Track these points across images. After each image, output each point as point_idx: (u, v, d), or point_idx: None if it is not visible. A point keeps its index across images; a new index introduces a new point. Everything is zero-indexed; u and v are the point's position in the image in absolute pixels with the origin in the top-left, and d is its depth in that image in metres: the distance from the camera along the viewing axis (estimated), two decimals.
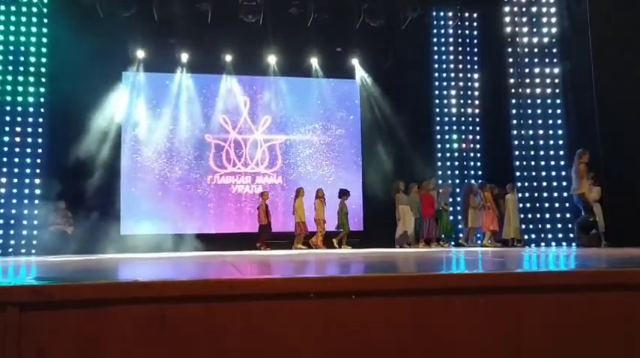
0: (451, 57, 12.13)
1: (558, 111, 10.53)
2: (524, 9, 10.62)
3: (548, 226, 10.40)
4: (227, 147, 12.39)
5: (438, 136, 12.02)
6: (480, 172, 11.92)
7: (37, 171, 10.27)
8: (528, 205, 10.46)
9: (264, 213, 11.37)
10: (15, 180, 10.12)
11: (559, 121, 10.51)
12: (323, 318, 2.14)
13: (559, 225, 10.43)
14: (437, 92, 12.08)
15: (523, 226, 10.42)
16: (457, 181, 11.89)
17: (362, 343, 2.14)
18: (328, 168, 12.82)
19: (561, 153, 10.49)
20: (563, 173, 10.46)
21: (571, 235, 10.33)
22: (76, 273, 3.35)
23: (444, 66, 12.12)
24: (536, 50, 10.57)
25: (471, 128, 12.10)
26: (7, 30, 10.30)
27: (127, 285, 2.17)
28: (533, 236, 10.40)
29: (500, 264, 4.01)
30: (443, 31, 12.16)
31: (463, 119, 12.09)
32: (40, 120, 10.35)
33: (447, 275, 2.50)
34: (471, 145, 12.05)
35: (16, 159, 10.16)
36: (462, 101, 12.11)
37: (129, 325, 2.06)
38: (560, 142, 10.48)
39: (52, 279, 2.70)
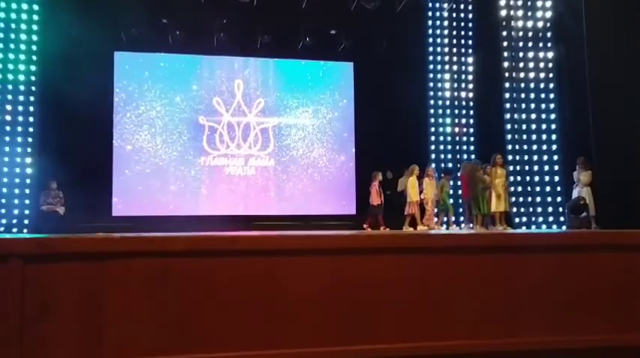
0: (445, 40, 12.11)
1: (551, 95, 10.59)
2: None
3: (539, 209, 10.50)
4: (220, 129, 12.35)
5: (432, 120, 12.04)
6: (472, 156, 11.95)
7: (29, 150, 10.19)
8: (520, 189, 10.53)
9: (376, 194, 11.17)
10: (6, 159, 10.03)
11: (552, 106, 10.58)
12: (325, 273, 2.16)
13: (550, 208, 10.53)
14: (431, 75, 12.08)
15: (514, 209, 10.48)
16: (450, 165, 11.92)
17: (363, 296, 2.16)
18: (321, 150, 12.81)
19: (553, 137, 10.57)
20: (555, 157, 10.55)
21: (562, 218, 10.44)
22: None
23: (439, 49, 12.11)
24: (530, 34, 10.59)
25: (464, 112, 12.13)
26: None
27: (129, 240, 2.18)
28: (524, 219, 10.48)
29: None
30: (438, 14, 12.12)
31: (457, 103, 12.11)
32: (32, 98, 10.25)
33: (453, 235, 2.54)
34: (465, 129, 12.08)
35: (7, 138, 10.06)
36: (455, 85, 12.12)
37: (131, 279, 2.07)
38: (553, 127, 10.55)
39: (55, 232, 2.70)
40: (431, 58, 12.07)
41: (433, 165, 11.63)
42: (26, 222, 10.10)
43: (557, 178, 10.52)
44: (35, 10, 10.35)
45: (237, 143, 12.42)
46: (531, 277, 2.31)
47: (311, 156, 12.75)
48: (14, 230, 9.96)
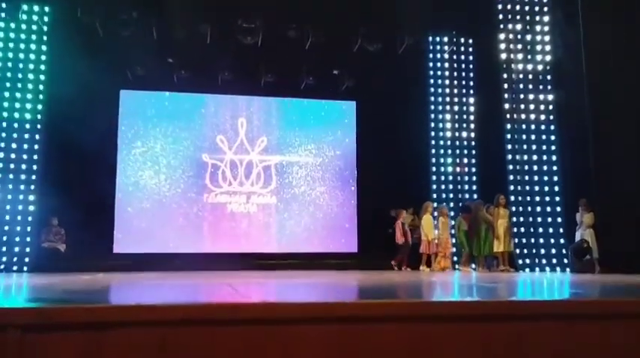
0: (447, 81, 12.27)
1: (552, 137, 10.65)
2: (519, 36, 10.80)
3: (543, 251, 10.43)
4: (223, 166, 12.41)
5: (433, 159, 12.09)
6: (475, 196, 11.96)
7: (32, 187, 10.22)
8: (523, 230, 10.49)
9: (400, 232, 11.13)
10: (9, 197, 10.07)
11: (553, 147, 10.63)
12: (334, 343, 2.13)
13: (553, 250, 10.46)
14: (432, 115, 12.19)
15: (517, 251, 10.42)
16: (452, 205, 11.91)
17: None
18: (323, 188, 12.84)
19: (555, 178, 10.58)
20: (557, 198, 10.54)
21: (565, 261, 10.36)
22: (76, 294, 3.33)
23: (440, 90, 12.26)
24: (530, 77, 10.73)
25: (466, 151, 12.18)
26: (7, 47, 10.35)
27: (127, 309, 2.17)
28: (527, 261, 10.41)
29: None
30: (439, 55, 12.32)
31: (458, 143, 12.18)
32: (37, 137, 10.34)
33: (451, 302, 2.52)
34: (466, 169, 12.12)
35: (11, 176, 10.11)
36: (457, 125, 12.22)
37: (129, 349, 2.06)
38: (554, 168, 10.57)
39: (54, 301, 2.69)
40: (432, 98, 12.21)
41: (443, 203, 11.65)
42: (27, 259, 10.05)
43: (559, 219, 10.49)
44: (43, 51, 10.53)
45: (240, 180, 12.46)
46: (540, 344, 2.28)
47: (313, 194, 12.77)
48: (14, 268, 9.92)
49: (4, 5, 10.41)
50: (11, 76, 10.33)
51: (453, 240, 11.40)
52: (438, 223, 11.22)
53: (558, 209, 10.51)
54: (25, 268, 9.99)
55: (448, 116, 12.21)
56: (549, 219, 10.51)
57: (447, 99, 12.25)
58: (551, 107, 10.71)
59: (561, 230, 10.49)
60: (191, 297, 3.27)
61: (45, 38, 10.58)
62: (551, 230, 10.50)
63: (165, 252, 11.65)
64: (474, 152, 12.17)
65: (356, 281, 6.06)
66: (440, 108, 12.22)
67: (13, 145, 10.19)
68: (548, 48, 10.79)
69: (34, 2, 10.51)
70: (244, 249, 12.15)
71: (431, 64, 12.28)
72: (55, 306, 2.17)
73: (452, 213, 11.77)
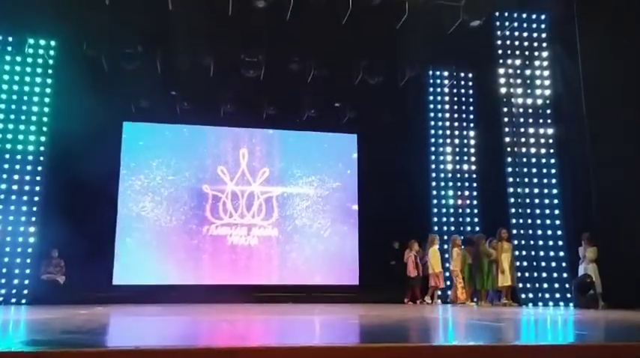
0: (447, 114, 12.37)
1: (553, 170, 10.65)
2: (518, 71, 10.90)
3: (545, 285, 10.32)
4: (224, 198, 12.41)
5: (434, 192, 12.09)
6: (476, 228, 11.92)
7: (33, 219, 10.19)
8: (525, 264, 10.40)
9: (412, 265, 11.03)
10: (9, 228, 10.04)
11: (554, 181, 10.61)
12: None
13: (556, 285, 10.35)
14: (433, 148, 12.24)
15: (520, 285, 10.32)
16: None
17: None
18: (324, 220, 12.82)
19: (557, 212, 10.53)
20: (559, 232, 10.48)
21: (568, 295, 10.25)
22: (74, 335, 3.29)
23: (440, 123, 12.34)
24: (530, 111, 10.78)
25: (467, 184, 12.20)
26: (12, 80, 10.47)
27: (126, 354, 2.14)
28: (530, 295, 10.29)
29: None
30: (439, 89, 12.44)
31: (459, 176, 12.21)
32: (39, 168, 10.36)
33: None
34: (467, 202, 12.11)
35: (12, 207, 10.10)
36: (457, 158, 12.26)
37: None
38: (556, 201, 10.54)
39: (51, 343, 2.65)
40: (433, 131, 12.28)
41: (457, 235, 11.50)
42: (25, 292, 9.96)
43: (562, 253, 10.40)
44: (48, 84, 10.64)
45: (241, 212, 12.45)
46: None
47: (314, 226, 12.74)
48: (13, 300, 9.83)
49: (10, 39, 10.57)
50: (16, 109, 10.41)
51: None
52: (451, 254, 11.10)
53: (560, 243, 10.43)
54: (23, 300, 9.89)
55: (449, 149, 12.26)
56: (552, 253, 10.42)
57: (448, 132, 12.32)
58: (551, 141, 10.73)
59: (564, 264, 10.39)
60: (190, 339, 3.23)
61: (50, 71, 10.70)
62: (553, 264, 10.40)
63: (165, 283, 11.57)
64: (474, 185, 12.19)
65: (359, 318, 5.99)
66: (440, 141, 12.28)
67: (16, 177, 10.19)
68: (547, 82, 10.88)
69: (40, 36, 10.67)
70: (245, 281, 12.08)
71: (431, 98, 12.40)
72: (53, 351, 2.14)
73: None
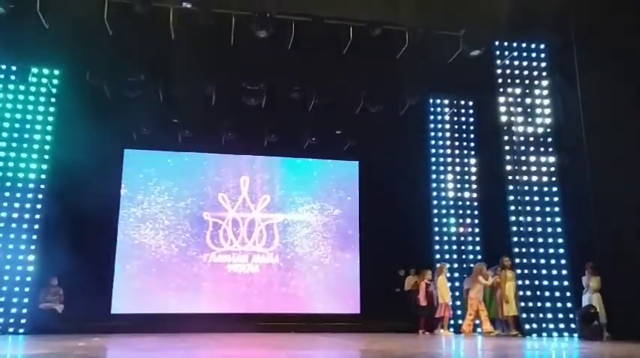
0: (448, 142, 12.37)
1: (555, 198, 10.61)
2: (518, 99, 10.94)
3: (549, 315, 10.19)
4: (225, 225, 12.37)
5: (436, 219, 12.02)
6: (479, 256, 11.82)
7: (32, 247, 10.14)
8: (529, 293, 10.28)
9: (424, 294, 10.88)
10: (8, 257, 9.98)
11: (556, 209, 10.56)
12: None
13: (560, 315, 10.22)
14: (434, 176, 12.20)
15: (524, 315, 10.19)
16: (455, 265, 11.76)
17: None
18: (325, 248, 12.75)
19: (560, 240, 10.46)
20: (563, 261, 10.39)
21: (572, 325, 10.11)
22: None
23: (441, 151, 12.33)
24: (531, 139, 10.79)
25: (468, 212, 12.13)
26: (15, 108, 10.54)
27: None
28: (534, 325, 10.15)
29: None
30: (440, 117, 12.47)
31: (460, 203, 12.15)
32: (40, 196, 10.36)
33: None
34: (469, 229, 12.03)
35: (12, 236, 10.06)
36: (459, 185, 12.22)
37: None
38: (559, 230, 10.47)
39: None
40: (434, 159, 12.27)
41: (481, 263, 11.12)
42: (23, 321, 9.86)
43: (565, 283, 10.29)
44: (51, 112, 10.70)
45: (242, 239, 12.39)
46: None
47: (315, 254, 12.67)
48: (10, 330, 9.72)
49: (14, 68, 10.67)
50: (18, 137, 10.46)
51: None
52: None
53: (564, 272, 10.33)
54: (21, 330, 9.78)
55: (450, 176, 12.23)
56: (555, 283, 10.31)
57: (449, 159, 12.30)
58: (553, 169, 10.72)
59: (568, 294, 10.27)
60: None
61: (53, 100, 10.77)
62: (557, 293, 10.28)
63: (164, 312, 11.46)
64: (476, 213, 12.12)
65: (366, 352, 5.89)
66: (441, 168, 12.26)
67: (16, 205, 10.19)
68: (548, 111, 10.92)
69: (44, 65, 10.77)
70: (245, 309, 11.97)
71: (432, 126, 12.41)
72: None
73: (456, 275, 11.62)
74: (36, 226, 10.26)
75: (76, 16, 9.13)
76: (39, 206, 10.32)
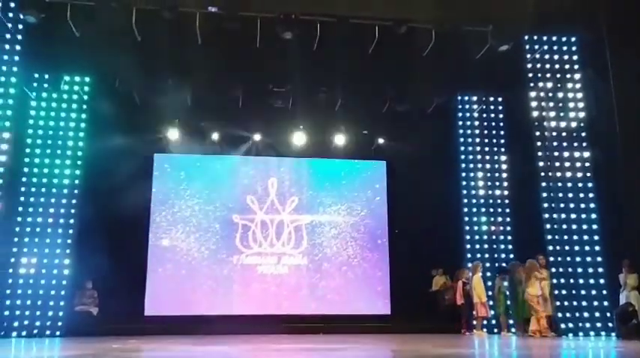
0: (477, 140, 12.18)
1: (590, 195, 10.37)
2: (550, 94, 10.72)
3: (586, 314, 9.95)
4: (254, 227, 12.42)
5: (466, 218, 11.85)
6: (511, 255, 11.61)
7: (67, 251, 10.37)
8: (564, 292, 10.06)
9: (460, 293, 10.72)
10: (45, 261, 10.23)
11: (592, 205, 10.31)
12: None
13: (597, 314, 9.97)
14: (464, 174, 12.04)
15: (560, 315, 9.96)
16: (487, 265, 11.55)
17: None
18: (354, 248, 12.68)
19: (596, 238, 10.21)
20: (599, 259, 10.14)
21: (610, 324, 9.85)
22: None
23: (470, 148, 12.15)
24: (564, 134, 10.57)
25: (500, 211, 11.91)
26: (49, 116, 10.81)
27: None
28: (570, 325, 9.93)
29: None
30: (468, 114, 12.29)
31: (492, 201, 11.94)
32: (73, 201, 10.59)
33: None
34: (501, 228, 11.81)
35: (48, 240, 10.31)
36: (489, 183, 12.01)
37: None
38: (595, 227, 10.22)
39: None
40: (463, 156, 12.11)
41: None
42: (60, 324, 10.08)
43: (602, 281, 10.05)
44: (83, 119, 10.94)
45: (270, 241, 12.42)
46: None
47: (344, 254, 12.61)
48: (47, 332, 9.95)
49: (47, 76, 10.93)
50: (52, 143, 10.72)
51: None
52: (526, 280, 10.04)
53: (600, 270, 10.09)
54: (57, 332, 10.00)
55: (480, 174, 12.03)
56: (591, 281, 10.08)
57: (479, 157, 12.11)
58: (587, 164, 10.47)
59: (604, 292, 10.03)
60: None
61: (84, 107, 11.01)
62: (593, 292, 10.05)
63: (196, 314, 11.55)
64: (507, 211, 11.90)
65: (399, 353, 5.83)
66: (471, 166, 12.08)
67: (51, 210, 10.44)
68: (581, 105, 10.67)
69: (75, 73, 11.01)
70: (275, 311, 11.97)
71: (460, 123, 12.25)
72: None
73: (488, 274, 11.42)
74: (70, 230, 10.49)
75: (105, 23, 9.32)
76: (73, 210, 10.56)
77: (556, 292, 10.07)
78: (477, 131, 12.19)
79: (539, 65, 10.82)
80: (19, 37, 9.80)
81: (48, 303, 10.11)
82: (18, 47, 9.72)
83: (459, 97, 12.32)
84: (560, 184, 10.46)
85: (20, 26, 9.83)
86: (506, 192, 11.97)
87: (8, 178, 9.48)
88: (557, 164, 10.52)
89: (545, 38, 10.87)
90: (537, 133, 10.72)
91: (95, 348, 6.70)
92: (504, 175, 12.05)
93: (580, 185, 10.44)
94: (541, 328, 9.62)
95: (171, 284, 11.80)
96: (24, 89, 10.32)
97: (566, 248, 10.23)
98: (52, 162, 10.60)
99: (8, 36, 9.70)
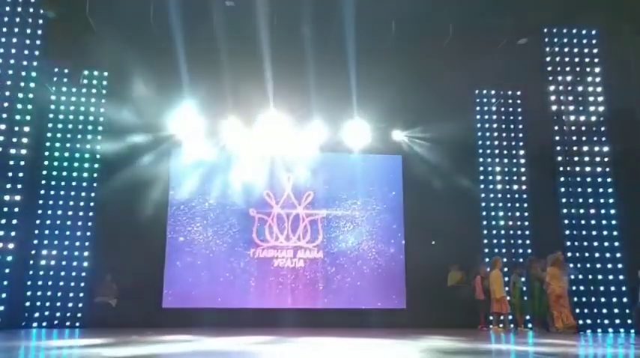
0: (495, 134, 12.08)
1: (610, 190, 10.24)
2: (569, 87, 10.59)
3: (605, 311, 9.85)
4: (270, 221, 12.47)
5: (484, 213, 11.77)
6: (528, 250, 11.51)
7: (87, 244, 10.52)
8: (582, 288, 9.97)
9: (480, 288, 10.62)
10: (65, 253, 10.39)
11: (611, 200, 10.19)
12: None
13: (615, 310, 9.87)
14: (481, 169, 11.94)
15: (577, 310, 9.87)
16: (505, 260, 11.46)
17: None
18: (370, 243, 12.68)
19: (615, 233, 10.09)
20: (618, 254, 10.02)
21: (629, 321, 9.75)
22: None
23: (488, 142, 12.05)
24: (583, 128, 10.44)
25: (517, 205, 11.81)
26: (68, 109, 10.94)
27: None
28: (588, 321, 9.84)
29: None
30: (486, 108, 12.18)
31: (509, 196, 11.85)
32: (92, 194, 10.72)
33: None
34: (518, 222, 11.70)
35: (68, 233, 10.46)
36: (507, 178, 11.91)
37: None
38: (614, 222, 10.10)
39: None
40: (481, 151, 12.00)
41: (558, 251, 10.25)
42: (79, 315, 10.25)
43: (621, 277, 9.94)
44: (101, 112, 11.06)
45: (287, 235, 12.47)
46: None
47: (360, 249, 12.61)
48: (67, 323, 10.12)
49: (66, 71, 11.06)
50: (71, 137, 10.86)
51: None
52: (548, 273, 9.93)
53: (620, 265, 9.97)
54: (77, 323, 10.17)
55: (498, 168, 11.93)
56: (610, 277, 9.97)
57: (497, 151, 12.00)
58: (606, 159, 10.33)
59: (623, 288, 9.92)
60: None
61: (103, 101, 11.12)
62: (612, 288, 9.95)
63: (213, 307, 11.64)
64: (525, 206, 11.79)
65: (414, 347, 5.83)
66: (489, 160, 11.97)
67: (71, 203, 10.58)
68: (600, 99, 10.52)
69: (94, 68, 11.12)
70: (291, 304, 12.04)
71: (478, 117, 12.14)
72: None
73: (505, 269, 11.34)
74: (90, 223, 10.63)
75: (123, 18, 9.39)
76: (92, 204, 10.69)
77: (574, 288, 9.97)
78: (495, 124, 12.09)
79: (558, 58, 10.68)
80: (39, 31, 9.91)
81: (68, 295, 10.29)
82: (38, 42, 9.82)
83: (477, 91, 12.21)
84: (578, 179, 10.35)
85: (40, 21, 9.94)
86: (524, 187, 11.86)
87: (29, 171, 9.62)
88: (576, 158, 10.40)
89: (564, 30, 10.72)
90: (556, 127, 10.59)
91: (114, 339, 6.80)
92: (522, 169, 11.94)
93: (599, 179, 10.32)
94: (570, 322, 9.41)
95: (188, 277, 11.90)
96: (44, 83, 10.44)
97: (585, 243, 10.13)
98: (72, 156, 10.75)
99: (29, 31, 9.80)
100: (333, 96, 11.68)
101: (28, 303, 10.09)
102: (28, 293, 10.14)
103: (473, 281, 10.99)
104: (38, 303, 10.14)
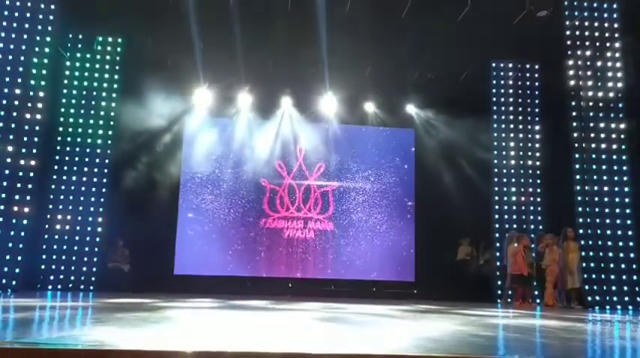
0: (510, 108, 11.90)
1: (624, 167, 10.12)
2: (588, 62, 10.39)
3: (614, 288, 9.85)
4: (281, 192, 12.53)
5: (496, 188, 11.70)
6: (540, 227, 11.47)
7: (100, 209, 10.66)
8: (592, 265, 9.95)
9: (523, 261, 10.05)
10: (79, 218, 10.54)
11: (625, 178, 10.08)
12: None
13: (625, 288, 9.86)
14: (495, 143, 11.82)
15: (587, 287, 9.88)
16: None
17: None
18: (381, 215, 12.71)
19: (628, 211, 10.01)
20: (630, 232, 9.96)
21: (638, 298, 9.75)
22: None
23: (504, 116, 11.89)
24: (601, 105, 10.27)
25: (530, 181, 11.72)
26: (82, 76, 10.95)
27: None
28: (597, 298, 9.84)
29: None
30: (502, 82, 11.98)
31: (522, 171, 11.74)
32: (106, 161, 10.81)
33: None
34: (531, 198, 11.63)
35: (82, 198, 10.59)
36: (521, 153, 11.78)
37: None
38: (627, 200, 10.02)
39: None
40: (495, 125, 11.86)
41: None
42: (93, 279, 10.44)
43: (632, 255, 9.89)
44: (115, 79, 11.06)
45: (298, 206, 12.53)
46: None
47: (370, 221, 12.66)
48: (81, 286, 10.33)
49: (80, 37, 11.04)
50: (85, 103, 10.90)
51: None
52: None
53: (631, 243, 9.92)
54: (90, 287, 10.37)
55: (512, 143, 11.80)
56: (621, 255, 9.93)
57: (511, 126, 11.85)
58: (623, 136, 10.19)
59: (634, 266, 9.89)
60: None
61: (117, 68, 11.12)
62: (623, 266, 9.91)
63: (223, 274, 11.82)
64: (538, 181, 11.70)
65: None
66: (503, 135, 11.83)
67: (85, 169, 10.68)
68: (619, 74, 10.32)
69: (108, 34, 11.09)
70: (300, 274, 12.18)
71: (494, 90, 11.95)
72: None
73: (515, 245, 11.31)
74: (103, 190, 10.75)
75: None
76: (106, 170, 10.79)
77: (584, 265, 9.96)
78: (511, 99, 11.90)
79: (577, 32, 10.46)
80: None
81: (82, 259, 10.47)
82: (53, 7, 9.79)
83: (493, 64, 12.00)
84: (594, 156, 10.23)
85: None
86: (538, 163, 11.74)
87: (44, 136, 9.69)
88: (592, 135, 10.26)
89: (585, 4, 10.47)
90: (573, 103, 10.43)
91: (127, 302, 6.93)
92: (537, 145, 11.80)
93: (614, 157, 10.20)
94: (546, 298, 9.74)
95: (200, 245, 12.05)
96: (58, 49, 10.44)
97: (597, 220, 10.07)
98: (86, 122, 10.80)
99: None
100: (347, 68, 11.58)
101: (43, 266, 10.30)
102: (44, 257, 10.33)
103: (504, 252, 10.51)
104: (53, 267, 10.34)
